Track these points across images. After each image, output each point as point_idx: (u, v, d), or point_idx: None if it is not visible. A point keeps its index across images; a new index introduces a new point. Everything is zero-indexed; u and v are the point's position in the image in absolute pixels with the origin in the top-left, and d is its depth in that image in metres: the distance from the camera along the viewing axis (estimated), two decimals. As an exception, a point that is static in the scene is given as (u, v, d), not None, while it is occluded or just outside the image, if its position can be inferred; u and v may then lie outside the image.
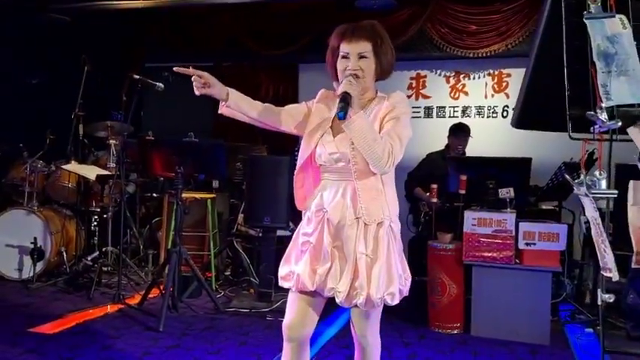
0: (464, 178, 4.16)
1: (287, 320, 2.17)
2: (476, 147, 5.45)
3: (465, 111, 6.14)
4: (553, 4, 1.16)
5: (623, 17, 1.08)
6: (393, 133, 2.01)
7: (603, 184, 1.05)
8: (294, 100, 6.51)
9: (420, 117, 6.29)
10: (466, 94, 6.16)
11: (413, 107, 6.29)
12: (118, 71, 6.71)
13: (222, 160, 4.19)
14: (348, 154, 2.04)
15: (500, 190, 4.08)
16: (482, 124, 5.87)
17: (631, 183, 1.08)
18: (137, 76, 4.45)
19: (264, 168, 4.48)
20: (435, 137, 5.87)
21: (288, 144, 5.30)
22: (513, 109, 1.31)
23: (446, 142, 5.49)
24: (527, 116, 1.27)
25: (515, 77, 5.96)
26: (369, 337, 2.19)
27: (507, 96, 6.01)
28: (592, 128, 1.07)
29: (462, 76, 6.14)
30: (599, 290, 1.23)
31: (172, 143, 4.14)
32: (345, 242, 2.05)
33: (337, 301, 2.07)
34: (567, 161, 4.55)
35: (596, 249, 1.09)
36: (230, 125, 6.78)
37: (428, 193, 4.98)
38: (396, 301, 2.11)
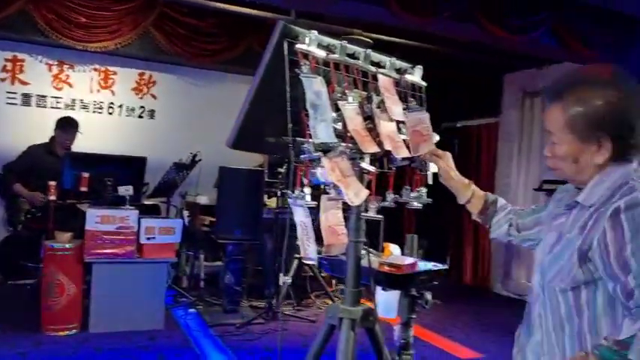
0: (86, 175, 4.11)
1: None
2: (80, 142, 5.34)
3: (69, 103, 5.90)
4: (273, 56, 1.52)
5: (322, 79, 1.53)
6: None
7: (308, 197, 1.47)
8: None
9: (16, 104, 5.68)
10: (70, 85, 5.93)
11: (8, 92, 5.64)
12: None
13: None
14: None
15: (119, 188, 4.23)
16: (87, 119, 5.76)
17: (323, 197, 1.53)
18: None
19: None
20: (34, 128, 5.45)
21: None
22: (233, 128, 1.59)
23: (47, 133, 5.18)
24: (243, 140, 1.58)
25: (122, 76, 6.14)
26: None
27: (113, 93, 6.11)
28: (302, 156, 1.47)
29: (66, 66, 5.87)
30: (280, 274, 1.65)
31: None
32: None
33: None
34: (177, 162, 5.04)
35: (301, 245, 1.49)
36: None
37: (38, 191, 4.65)
38: None
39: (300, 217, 1.47)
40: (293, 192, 1.46)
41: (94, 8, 5.45)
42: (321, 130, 1.45)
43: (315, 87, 1.46)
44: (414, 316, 1.92)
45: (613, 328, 1.24)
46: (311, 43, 1.48)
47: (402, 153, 1.69)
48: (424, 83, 1.90)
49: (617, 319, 1.24)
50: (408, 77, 1.85)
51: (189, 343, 3.96)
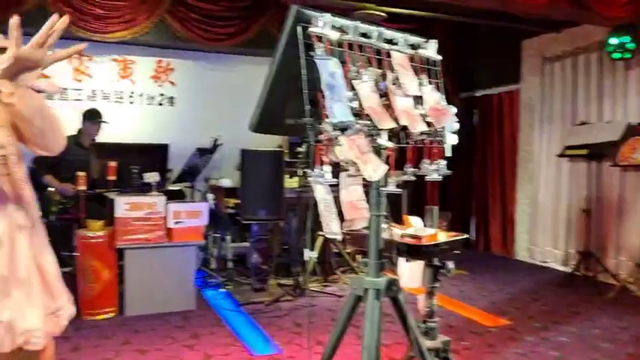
0: (113, 164, 4.22)
1: None
2: (104, 132, 5.46)
3: (90, 95, 6.02)
4: (289, 40, 1.56)
5: (337, 60, 1.57)
6: None
7: (328, 175, 1.52)
8: None
9: (40, 98, 5.81)
10: (90, 77, 6.04)
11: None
12: None
13: None
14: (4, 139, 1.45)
15: (145, 175, 4.34)
16: (108, 109, 5.88)
17: (342, 174, 1.58)
18: None
19: None
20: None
21: None
22: (253, 114, 1.64)
23: (70, 125, 5.29)
24: (264, 124, 1.63)
25: (140, 65, 6.23)
26: None
27: (133, 82, 6.21)
28: (320, 135, 1.52)
29: (85, 58, 5.98)
30: (305, 249, 1.72)
31: None
32: (17, 260, 1.47)
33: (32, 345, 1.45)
34: (199, 147, 5.13)
35: (324, 221, 1.55)
36: None
37: (67, 182, 4.78)
38: None
39: (322, 194, 1.52)
40: (313, 170, 1.51)
41: (110, -1, 5.51)
42: (338, 110, 1.49)
43: (330, 68, 1.50)
44: (437, 285, 1.97)
45: None
46: (324, 25, 1.52)
47: (418, 127, 1.72)
48: (439, 57, 1.91)
49: None
50: (422, 52, 1.87)
51: (222, 322, 4.09)
